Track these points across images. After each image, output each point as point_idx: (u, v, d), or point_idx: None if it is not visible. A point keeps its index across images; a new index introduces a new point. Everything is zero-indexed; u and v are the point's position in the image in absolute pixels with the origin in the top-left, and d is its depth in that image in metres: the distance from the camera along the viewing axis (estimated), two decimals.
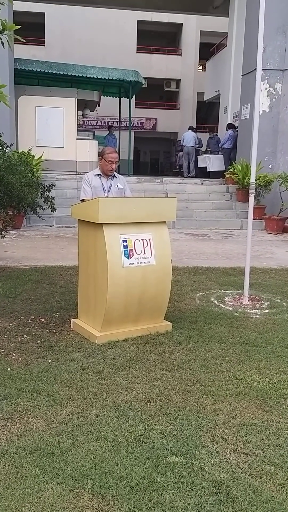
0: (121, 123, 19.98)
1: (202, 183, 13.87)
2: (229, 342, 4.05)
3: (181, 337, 4.13)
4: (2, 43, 4.31)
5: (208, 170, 15.99)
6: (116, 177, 4.75)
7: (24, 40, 4.46)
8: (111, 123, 23.80)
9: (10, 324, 4.39)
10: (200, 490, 2.15)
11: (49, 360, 3.57)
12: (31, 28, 25.62)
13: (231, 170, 13.26)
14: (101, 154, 4.67)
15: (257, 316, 4.84)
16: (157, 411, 2.85)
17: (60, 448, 2.44)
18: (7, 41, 4.27)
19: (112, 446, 2.47)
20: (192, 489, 2.15)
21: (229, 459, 2.40)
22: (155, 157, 35.32)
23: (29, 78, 15.15)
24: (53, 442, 2.49)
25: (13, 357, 3.64)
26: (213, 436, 2.61)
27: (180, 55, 31.51)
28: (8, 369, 3.39)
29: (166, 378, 3.32)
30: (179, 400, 3.00)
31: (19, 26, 4.44)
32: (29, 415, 2.77)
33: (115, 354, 3.72)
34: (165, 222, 4.25)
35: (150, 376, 3.34)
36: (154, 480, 2.20)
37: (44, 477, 2.21)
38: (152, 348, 3.87)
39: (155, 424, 2.70)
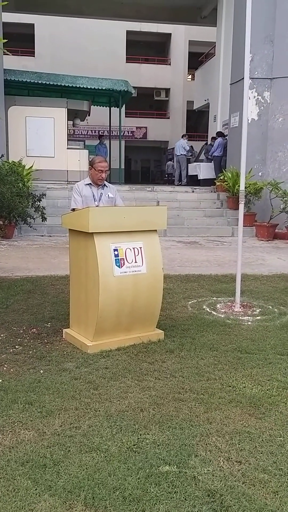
0: (112, 132, 20.06)
1: (193, 191, 13.94)
2: (222, 350, 4.05)
3: (173, 345, 4.12)
4: None
5: (198, 178, 16.08)
6: (106, 186, 4.75)
7: (10, 54, 4.49)
8: (101, 133, 23.88)
9: (1, 335, 4.36)
10: (193, 499, 2.14)
11: (41, 371, 3.55)
12: (20, 39, 25.78)
13: (221, 177, 13.34)
14: (90, 164, 4.68)
15: (249, 323, 4.85)
16: (150, 420, 2.84)
17: (52, 459, 2.42)
18: None
19: (105, 457, 2.46)
20: (185, 499, 2.14)
21: (223, 467, 2.40)
22: (146, 166, 35.49)
23: (19, 89, 15.20)
24: (45, 454, 2.47)
25: (4, 368, 3.61)
26: (206, 444, 2.60)
27: (169, 64, 31.82)
28: (0, 380, 3.37)
29: (158, 386, 3.31)
30: (172, 408, 2.99)
31: (5, 40, 4.48)
32: (21, 427, 2.75)
33: (108, 364, 3.71)
34: (156, 230, 4.26)
35: (142, 385, 3.33)
36: (147, 490, 2.19)
37: (36, 489, 2.18)
38: (145, 357, 3.86)
39: (148, 434, 2.69)
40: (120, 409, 2.98)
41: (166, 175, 27.20)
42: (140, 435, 2.67)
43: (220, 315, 5.10)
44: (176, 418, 2.88)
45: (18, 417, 2.85)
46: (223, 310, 5.26)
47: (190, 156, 17.35)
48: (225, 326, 4.69)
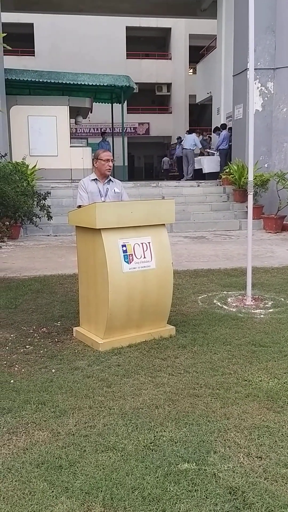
0: (114, 129, 19.97)
1: (198, 185, 13.84)
2: (235, 344, 3.98)
3: (185, 341, 4.06)
4: None
5: (203, 172, 15.96)
6: (112, 181, 4.69)
7: (10, 48, 4.44)
8: (104, 130, 23.80)
9: (12, 335, 4.32)
10: (215, 497, 2.08)
11: (53, 370, 3.50)
12: (20, 39, 25.71)
13: (227, 170, 13.23)
14: (95, 157, 4.61)
15: (262, 316, 4.78)
16: (166, 417, 2.78)
17: (68, 460, 2.37)
18: None
19: (122, 456, 2.40)
20: (206, 497, 2.08)
21: (243, 463, 2.33)
22: (149, 162, 35.33)
23: (20, 88, 15.16)
24: (60, 455, 2.41)
25: (16, 368, 3.57)
26: (224, 440, 2.54)
27: (170, 59, 31.63)
28: (11, 381, 3.32)
29: (173, 383, 3.25)
30: (188, 404, 2.93)
31: (5, 34, 4.42)
32: (34, 428, 2.70)
33: (120, 361, 3.65)
34: (164, 224, 4.19)
35: (156, 382, 3.27)
36: (166, 489, 2.13)
37: (53, 491, 2.13)
38: (157, 353, 3.80)
39: (164, 431, 2.63)
40: (135, 406, 2.92)
41: (162, 170, 27.10)
42: (157, 432, 2.61)
43: (231, 309, 5.03)
44: (192, 414, 2.82)
45: (31, 417, 2.80)
46: (234, 304, 5.19)
47: (205, 148, 17.22)
48: (237, 320, 4.62)
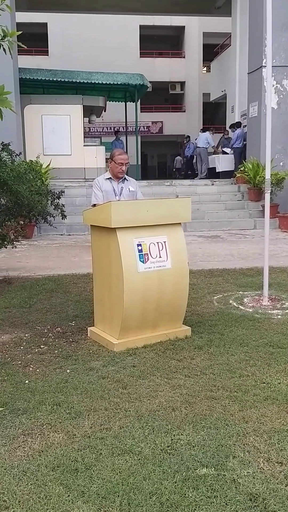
0: (127, 128, 19.93)
1: (213, 184, 13.74)
2: (252, 345, 3.91)
3: (201, 342, 4.00)
4: (4, 50, 4.26)
5: (217, 171, 15.84)
6: (127, 179, 4.64)
7: (26, 47, 4.41)
8: (117, 129, 23.78)
9: (26, 335, 4.30)
10: (235, 504, 2.02)
11: (68, 370, 3.47)
12: (34, 39, 25.78)
13: (241, 169, 13.11)
14: (110, 157, 4.57)
15: (279, 316, 4.69)
16: (183, 420, 2.73)
17: (84, 463, 2.33)
18: (9, 48, 4.21)
19: (139, 460, 2.35)
20: (226, 503, 2.02)
21: (263, 469, 2.27)
22: (162, 161, 35.23)
23: (34, 87, 15.18)
24: (76, 458, 2.38)
25: (30, 368, 3.54)
26: (244, 444, 2.48)
27: (184, 57, 31.52)
28: (26, 381, 3.29)
29: (189, 384, 3.20)
30: (205, 407, 2.88)
31: (20, 32, 4.39)
32: (50, 429, 2.66)
33: (135, 362, 3.61)
34: (180, 223, 4.13)
35: (172, 383, 3.22)
36: (185, 495, 2.08)
37: (69, 495, 2.09)
38: (173, 354, 3.75)
39: (181, 434, 2.58)
40: (151, 408, 2.87)
41: (174, 169, 27.06)
42: (174, 436, 2.56)
43: (248, 309, 4.96)
44: (210, 417, 2.76)
45: (47, 419, 2.77)
46: (250, 304, 5.11)
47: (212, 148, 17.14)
48: (254, 321, 4.54)
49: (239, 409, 2.85)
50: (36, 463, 2.34)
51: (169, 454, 2.40)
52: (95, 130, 27.18)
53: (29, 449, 2.48)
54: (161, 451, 2.42)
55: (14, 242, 6.32)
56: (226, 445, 2.47)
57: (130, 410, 2.85)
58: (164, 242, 3.99)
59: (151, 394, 3.06)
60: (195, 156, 17.73)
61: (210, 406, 2.89)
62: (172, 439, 2.53)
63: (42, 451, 2.45)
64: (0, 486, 2.16)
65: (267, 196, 5.12)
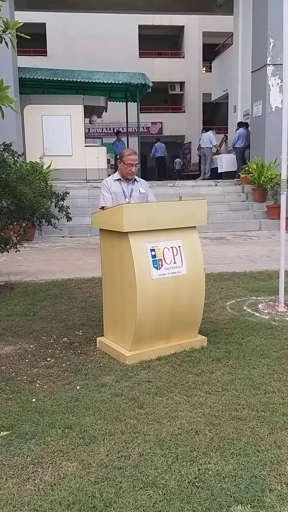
0: (128, 129, 19.67)
1: (216, 185, 13.49)
2: (274, 356, 3.65)
3: (219, 353, 3.74)
4: (6, 43, 4.00)
5: (219, 171, 15.59)
6: (137, 181, 4.39)
7: (26, 36, 4.16)
8: (118, 129, 23.53)
9: (31, 346, 4.03)
10: None
11: (78, 387, 3.21)
12: (32, 39, 25.44)
13: (245, 169, 12.86)
14: (119, 157, 4.31)
15: None
16: (209, 446, 2.47)
17: (102, 499, 2.07)
18: (11, 41, 3.95)
19: (164, 495, 2.09)
20: None
21: None
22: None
23: (34, 88, 14.92)
24: (93, 492, 2.11)
25: (37, 385, 3.27)
26: (279, 475, 2.22)
27: (183, 57, 31.28)
28: (33, 399, 3.03)
29: (211, 403, 2.94)
30: (231, 430, 2.62)
31: (22, 23, 4.13)
32: (61, 457, 2.40)
33: (150, 376, 3.35)
34: (195, 226, 3.88)
35: (193, 402, 2.96)
36: None
37: None
38: (190, 367, 3.49)
39: (209, 463, 2.32)
40: (172, 432, 2.61)
41: (175, 171, 26.89)
42: (201, 465, 2.30)
43: (264, 316, 4.70)
44: (238, 442, 2.50)
45: (58, 445, 2.50)
46: (266, 311, 4.86)
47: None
48: (272, 329, 4.28)
49: (268, 432, 2.59)
50: (49, 500, 2.08)
51: (198, 488, 2.14)
52: (95, 131, 26.91)
53: (40, 481, 2.21)
54: (188, 484, 2.16)
55: (17, 246, 6.07)
56: (260, 476, 2.21)
57: (149, 434, 2.59)
58: (179, 246, 3.74)
59: (170, 415, 2.80)
60: (199, 157, 17.51)
61: (237, 428, 2.63)
62: (199, 469, 2.27)
63: (55, 484, 2.18)
64: None
65: (283, 197, 4.85)
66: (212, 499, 2.05)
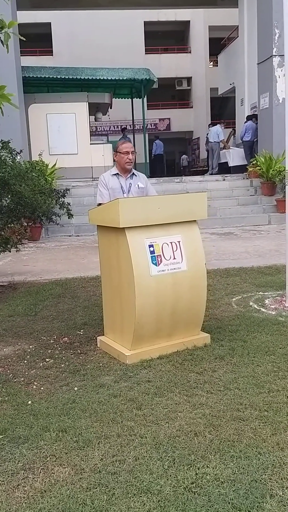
0: (134, 126, 19.54)
1: (224, 179, 13.33)
2: (279, 353, 3.52)
3: (222, 351, 3.62)
4: (2, 42, 3.90)
5: (229, 165, 15.40)
6: (135, 175, 4.27)
7: (25, 39, 4.09)
8: (123, 126, 23.40)
9: (30, 347, 3.95)
10: None
11: (75, 388, 3.11)
12: (38, 39, 25.52)
13: (253, 163, 12.68)
14: (115, 150, 4.22)
15: None
16: (208, 448, 2.36)
17: (93, 507, 1.97)
18: (6, 40, 3.86)
19: (158, 502, 1.99)
20: None
21: None
22: (170, 158, 34.69)
23: (38, 86, 14.87)
24: (85, 499, 2.01)
25: (34, 386, 3.19)
26: (281, 479, 2.10)
27: (190, 52, 31.02)
28: (29, 402, 2.94)
29: (212, 403, 2.82)
30: (232, 431, 2.50)
31: (17, 22, 4.05)
32: (54, 462, 2.30)
33: (150, 376, 3.24)
34: (195, 221, 3.76)
35: (193, 402, 2.84)
36: None
37: None
38: (191, 366, 3.37)
39: (207, 467, 2.20)
40: (170, 434, 2.50)
41: (182, 167, 26.76)
42: (198, 469, 2.19)
43: (270, 312, 4.57)
44: (238, 443, 2.38)
45: (51, 449, 2.41)
46: (273, 307, 4.72)
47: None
48: (279, 325, 4.15)
49: (271, 433, 2.47)
50: (38, 508, 1.98)
51: (194, 494, 2.03)
52: (102, 129, 26.81)
53: (30, 488, 2.12)
54: (184, 490, 2.05)
55: (18, 246, 5.99)
56: (260, 480, 2.09)
57: (146, 437, 2.48)
58: (179, 242, 3.62)
59: (169, 416, 2.69)
60: (207, 152, 17.33)
61: (238, 430, 2.51)
62: (196, 473, 2.16)
63: (45, 491, 2.09)
64: None
65: None
66: (209, 506, 1.94)
